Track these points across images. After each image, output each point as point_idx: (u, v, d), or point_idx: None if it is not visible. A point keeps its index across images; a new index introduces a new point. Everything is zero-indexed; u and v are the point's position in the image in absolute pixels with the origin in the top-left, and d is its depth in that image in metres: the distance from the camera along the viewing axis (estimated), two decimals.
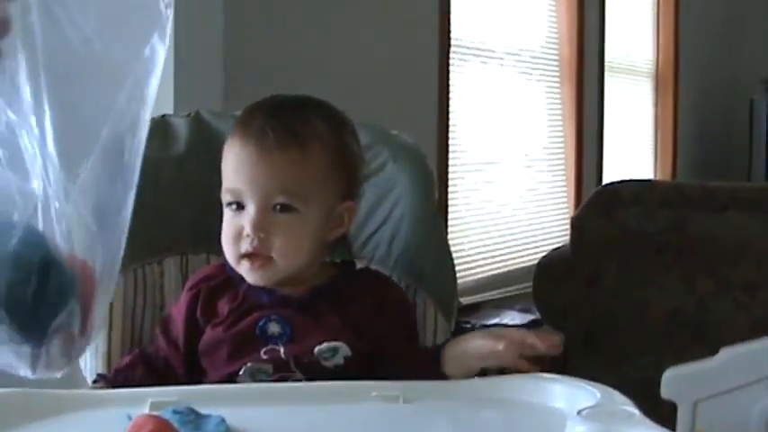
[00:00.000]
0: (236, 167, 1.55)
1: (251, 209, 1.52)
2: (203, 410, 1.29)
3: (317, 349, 1.52)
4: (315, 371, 1.51)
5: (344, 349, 1.53)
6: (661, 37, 6.50)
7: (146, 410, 1.32)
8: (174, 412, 1.27)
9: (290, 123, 1.55)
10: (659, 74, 6.52)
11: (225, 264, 1.60)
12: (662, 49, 6.52)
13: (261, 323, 1.55)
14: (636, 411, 1.22)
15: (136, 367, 1.58)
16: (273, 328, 1.55)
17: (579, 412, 1.19)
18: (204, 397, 1.38)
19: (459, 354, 1.49)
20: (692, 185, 3.58)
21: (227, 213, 1.56)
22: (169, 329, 1.62)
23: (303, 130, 1.55)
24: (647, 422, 1.19)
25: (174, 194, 1.77)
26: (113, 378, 1.57)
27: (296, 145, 1.53)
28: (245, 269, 1.55)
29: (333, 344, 1.53)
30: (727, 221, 3.39)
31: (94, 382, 1.59)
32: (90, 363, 1.66)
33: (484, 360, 1.47)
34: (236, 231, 1.54)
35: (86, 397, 1.44)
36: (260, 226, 1.52)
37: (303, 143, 1.54)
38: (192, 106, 1.94)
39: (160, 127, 1.85)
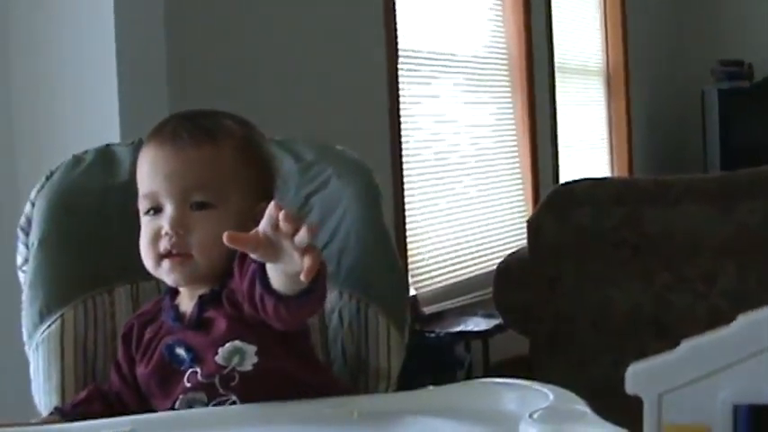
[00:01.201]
0: (151, 170, 1.56)
1: (168, 209, 1.53)
2: None
3: (218, 359, 1.49)
4: (241, 381, 1.49)
5: (246, 346, 1.50)
6: (609, 36, 6.55)
7: None
8: None
9: (202, 123, 1.58)
10: (610, 72, 6.57)
11: (161, 298, 1.61)
12: (611, 47, 6.56)
13: (168, 350, 1.54)
14: (588, 410, 1.23)
15: (92, 402, 1.57)
16: (180, 352, 1.54)
17: (531, 414, 1.19)
18: (159, 425, 1.38)
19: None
20: (645, 180, 3.61)
21: (144, 221, 1.56)
22: (119, 366, 1.62)
23: (215, 128, 1.58)
24: (600, 421, 1.19)
25: (121, 223, 1.76)
26: (70, 411, 1.56)
27: (209, 142, 1.56)
28: (164, 270, 1.54)
29: (228, 346, 1.50)
30: (681, 214, 3.40)
31: (50, 414, 1.58)
32: (44, 398, 1.65)
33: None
34: (153, 233, 1.54)
35: (41, 431, 1.43)
36: (178, 223, 1.52)
37: (216, 140, 1.56)
38: (139, 133, 1.93)
39: (104, 156, 1.84)
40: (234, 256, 1.53)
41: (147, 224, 1.56)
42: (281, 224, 1.28)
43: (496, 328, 4.16)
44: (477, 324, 4.25)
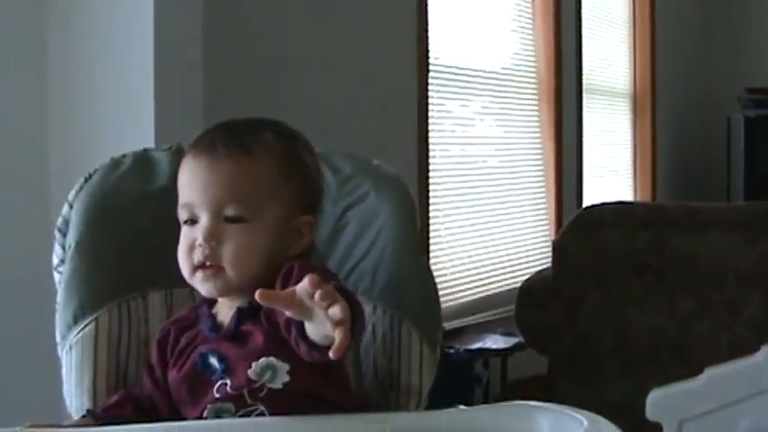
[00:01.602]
0: (188, 181, 1.57)
1: (203, 220, 1.54)
2: None
3: (250, 372, 1.50)
4: (270, 396, 1.50)
5: (280, 364, 1.51)
6: (638, 58, 6.54)
7: None
8: None
9: (241, 137, 1.58)
10: (637, 94, 6.56)
11: (197, 306, 1.61)
12: (639, 69, 6.55)
13: (201, 359, 1.56)
14: None
15: (124, 406, 1.58)
16: (213, 361, 1.55)
17: None
18: None
19: None
20: (673, 206, 3.61)
21: (183, 230, 1.57)
22: (152, 369, 1.63)
23: (252, 141, 1.57)
24: None
25: (158, 228, 1.77)
26: (102, 415, 1.57)
27: (245, 155, 1.56)
28: (198, 280, 1.56)
29: (262, 362, 1.51)
30: (707, 241, 3.41)
31: (82, 417, 1.59)
32: (75, 400, 1.65)
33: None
34: (189, 244, 1.55)
35: None
36: (211, 235, 1.53)
37: (252, 153, 1.56)
38: (173, 140, 1.94)
39: (141, 161, 1.84)
40: (269, 269, 1.54)
41: (184, 234, 1.57)
42: (317, 300, 1.29)
43: (516, 347, 4.15)
44: (496, 342, 4.25)
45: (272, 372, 1.50)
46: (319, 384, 1.51)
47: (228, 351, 1.54)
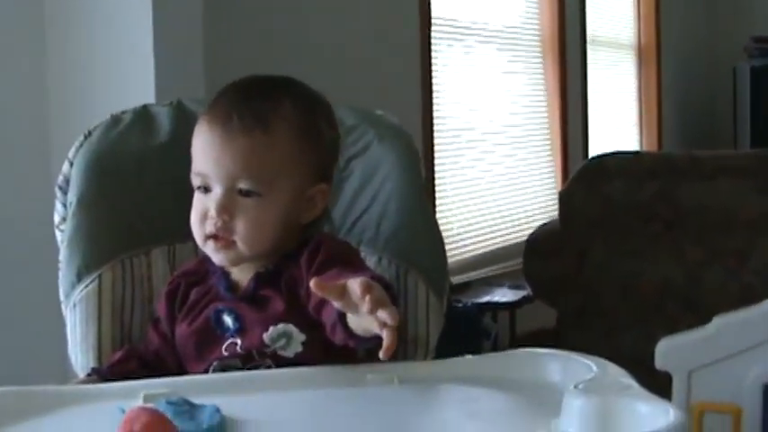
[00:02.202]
0: (202, 151, 1.55)
1: (216, 192, 1.52)
2: (196, 401, 1.28)
3: (265, 336, 1.50)
4: (277, 364, 1.50)
5: (297, 333, 1.51)
6: (642, 9, 6.49)
7: (139, 403, 1.31)
8: (168, 403, 1.26)
9: (256, 106, 1.54)
10: (641, 46, 6.51)
11: (206, 258, 1.60)
12: (643, 20, 6.50)
13: (215, 316, 1.55)
14: (633, 382, 1.22)
15: (129, 361, 1.57)
16: (227, 319, 1.55)
17: (575, 386, 1.18)
18: (197, 387, 1.37)
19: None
20: (680, 155, 3.58)
21: (196, 196, 1.56)
22: (158, 323, 1.62)
23: (269, 113, 1.54)
24: (645, 393, 1.17)
25: (159, 184, 1.76)
26: (107, 372, 1.56)
27: (260, 129, 1.52)
28: (210, 249, 1.55)
29: (280, 327, 1.51)
30: (715, 190, 3.38)
31: (88, 375, 1.58)
32: (80, 357, 1.64)
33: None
34: (202, 213, 1.54)
35: (79, 392, 1.43)
36: (223, 209, 1.51)
37: (268, 127, 1.53)
38: (173, 95, 1.92)
39: (142, 117, 1.83)
40: (282, 237, 1.54)
41: (197, 200, 1.56)
42: (368, 303, 1.28)
43: (524, 300, 4.14)
44: (504, 295, 4.24)
45: (287, 339, 1.50)
46: (328, 361, 1.48)
47: (246, 312, 1.54)
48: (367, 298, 1.28)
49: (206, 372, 1.52)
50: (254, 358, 1.51)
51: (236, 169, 1.51)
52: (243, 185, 1.51)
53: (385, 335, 1.28)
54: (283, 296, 1.52)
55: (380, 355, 1.29)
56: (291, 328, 1.50)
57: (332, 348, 1.47)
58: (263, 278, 1.55)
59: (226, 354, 1.52)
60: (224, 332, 1.53)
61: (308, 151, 1.57)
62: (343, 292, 1.32)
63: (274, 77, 1.62)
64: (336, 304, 1.34)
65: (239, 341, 1.52)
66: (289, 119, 1.55)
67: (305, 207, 1.58)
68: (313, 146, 1.57)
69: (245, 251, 1.53)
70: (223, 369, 1.51)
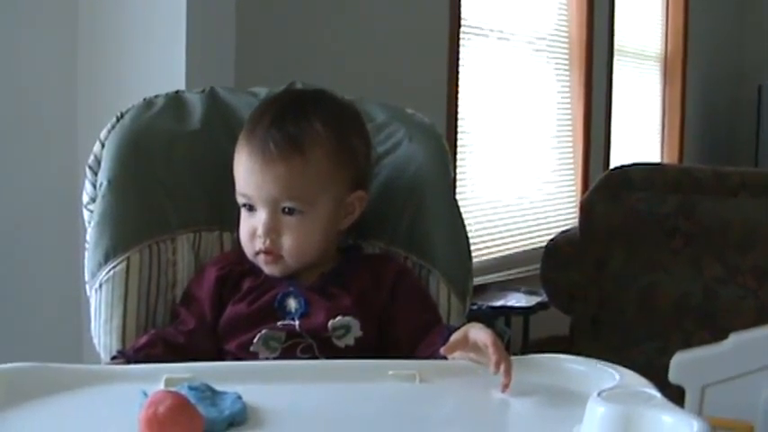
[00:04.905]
0: (244, 175, 1.62)
1: (261, 213, 1.61)
2: (218, 387, 1.28)
3: (330, 323, 1.57)
4: (326, 348, 1.56)
5: (356, 328, 1.58)
6: (670, 21, 6.48)
7: (161, 387, 1.31)
8: (190, 388, 1.26)
9: (292, 132, 1.60)
10: (668, 58, 6.50)
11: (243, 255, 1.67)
12: (671, 33, 6.49)
13: (279, 297, 1.61)
14: (657, 393, 1.21)
15: (155, 345, 1.57)
16: (291, 302, 1.61)
17: (599, 393, 1.18)
18: (219, 374, 1.37)
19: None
20: (702, 170, 3.56)
21: (243, 213, 1.65)
22: (191, 306, 1.64)
23: (304, 137, 1.60)
24: (669, 404, 1.17)
25: (188, 171, 1.76)
26: (133, 355, 1.56)
27: (297, 154, 1.59)
28: (260, 262, 1.64)
29: (345, 319, 1.58)
30: (736, 207, 3.37)
31: (113, 358, 1.58)
32: (104, 338, 1.64)
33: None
34: (250, 231, 1.63)
35: (102, 372, 1.44)
36: (269, 229, 1.61)
37: (304, 151, 1.60)
38: (204, 82, 1.93)
39: (174, 102, 1.83)
40: (324, 245, 1.64)
41: (244, 219, 1.65)
42: (490, 354, 1.40)
43: (538, 306, 4.14)
44: (518, 300, 4.24)
45: (345, 331, 1.59)
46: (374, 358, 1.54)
47: (314, 299, 1.61)
48: (494, 359, 1.39)
49: (251, 341, 1.56)
50: (300, 335, 1.56)
51: (278, 193, 1.59)
52: (285, 205, 1.60)
53: (503, 378, 1.37)
54: (350, 295, 1.62)
55: (500, 390, 1.37)
56: (354, 322, 1.58)
57: (379, 350, 1.57)
58: (327, 278, 1.64)
59: (280, 326, 1.58)
60: (284, 314, 1.60)
61: (343, 166, 1.64)
62: (467, 343, 1.44)
63: (304, 96, 1.71)
64: (460, 354, 1.46)
65: (297, 323, 1.58)
66: (322, 142, 1.61)
67: (344, 214, 1.66)
68: (348, 161, 1.64)
69: (293, 263, 1.63)
70: (266, 340, 1.56)
